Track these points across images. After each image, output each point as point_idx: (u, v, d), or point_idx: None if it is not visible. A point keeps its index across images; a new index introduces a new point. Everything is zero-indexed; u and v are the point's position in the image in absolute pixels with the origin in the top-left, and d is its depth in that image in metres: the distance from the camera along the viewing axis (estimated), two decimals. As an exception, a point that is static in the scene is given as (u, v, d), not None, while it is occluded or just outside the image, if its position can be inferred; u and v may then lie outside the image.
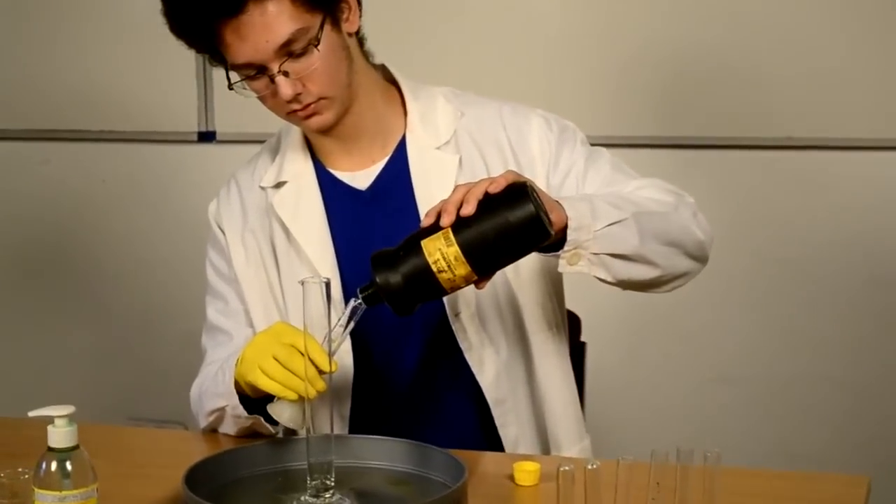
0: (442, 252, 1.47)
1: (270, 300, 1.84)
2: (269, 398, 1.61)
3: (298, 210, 1.83)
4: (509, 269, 1.75)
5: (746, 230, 2.80)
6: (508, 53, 2.87)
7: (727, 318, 2.87)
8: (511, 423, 1.81)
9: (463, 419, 1.84)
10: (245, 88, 1.74)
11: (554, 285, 1.85)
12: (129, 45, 3.13)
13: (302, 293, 1.49)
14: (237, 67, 1.71)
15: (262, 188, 1.87)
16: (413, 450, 1.60)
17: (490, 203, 1.49)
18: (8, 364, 3.44)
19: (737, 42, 2.74)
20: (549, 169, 1.80)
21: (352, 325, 1.55)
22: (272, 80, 1.69)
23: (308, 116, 1.74)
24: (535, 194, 1.50)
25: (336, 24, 1.72)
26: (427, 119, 1.83)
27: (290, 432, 1.68)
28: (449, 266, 1.47)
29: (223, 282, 1.89)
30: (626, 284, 1.68)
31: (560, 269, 1.60)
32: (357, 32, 1.79)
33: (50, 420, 1.32)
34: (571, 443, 1.83)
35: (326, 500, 1.50)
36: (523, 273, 1.81)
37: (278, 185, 1.85)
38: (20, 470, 1.39)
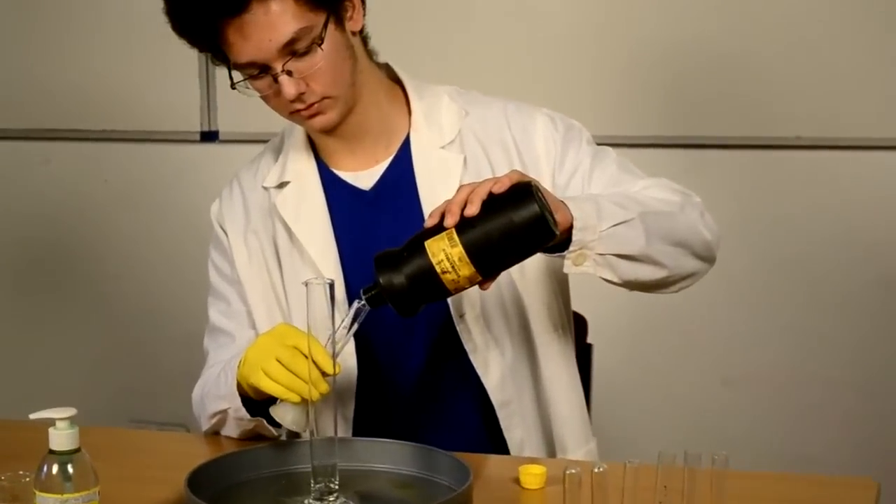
0: (446, 253, 1.46)
1: (273, 301, 1.84)
2: (272, 400, 1.60)
3: (301, 210, 1.82)
4: (514, 270, 1.75)
5: (754, 231, 2.79)
6: (513, 52, 2.86)
7: (735, 319, 2.86)
8: (516, 426, 1.80)
9: (468, 421, 1.83)
10: (248, 88, 1.73)
11: (560, 286, 1.84)
12: (132, 44, 3.13)
13: (305, 294, 1.49)
14: (240, 67, 1.71)
15: (265, 188, 1.86)
16: (418, 453, 1.59)
17: (494, 203, 1.48)
18: (8, 366, 3.43)
19: (744, 41, 2.73)
20: (555, 168, 1.79)
21: (355, 326, 1.54)
22: (275, 79, 1.68)
23: (311, 116, 1.73)
24: (539, 194, 1.49)
25: (340, 23, 1.71)
26: (431, 118, 1.82)
27: (294, 435, 1.67)
28: (453, 267, 1.46)
29: (225, 283, 1.88)
30: (632, 285, 1.67)
31: (565, 270, 1.59)
32: (361, 31, 1.78)
33: (51, 422, 1.31)
34: (577, 445, 1.82)
35: (330, 504, 1.49)
36: (528, 274, 1.80)
37: (281, 186, 1.85)
38: (21, 473, 1.38)
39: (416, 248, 1.48)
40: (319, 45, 1.67)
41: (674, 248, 1.67)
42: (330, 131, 1.78)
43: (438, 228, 1.48)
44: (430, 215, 1.51)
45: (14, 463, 1.41)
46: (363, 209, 1.82)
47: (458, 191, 1.51)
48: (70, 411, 1.32)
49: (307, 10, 1.66)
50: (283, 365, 1.56)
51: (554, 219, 1.50)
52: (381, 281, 1.49)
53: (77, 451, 1.32)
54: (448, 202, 1.50)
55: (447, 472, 1.53)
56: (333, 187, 1.83)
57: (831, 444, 2.80)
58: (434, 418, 1.83)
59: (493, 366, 1.79)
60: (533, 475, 1.54)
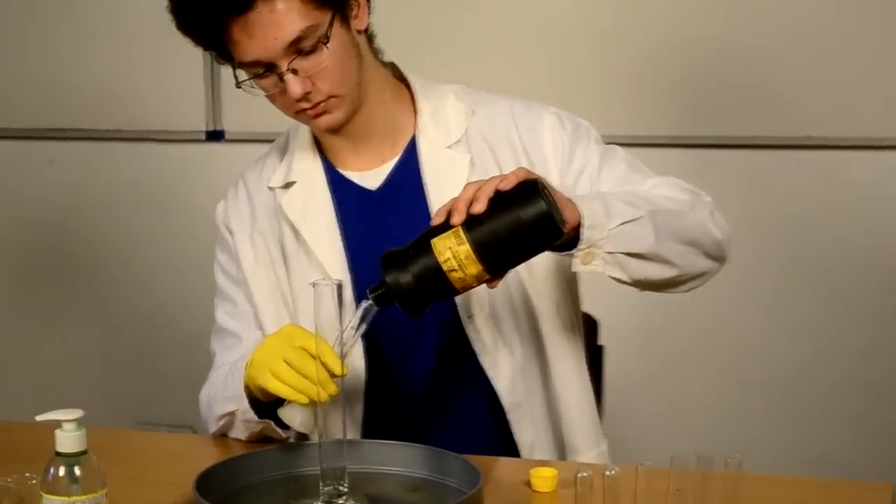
0: (453, 251, 1.45)
1: (280, 302, 1.83)
2: (280, 402, 1.59)
3: (307, 211, 1.82)
4: (523, 270, 1.74)
5: (766, 231, 2.78)
6: (521, 50, 2.85)
7: (748, 320, 2.85)
8: (527, 428, 1.79)
9: (477, 423, 1.82)
10: (253, 87, 1.72)
11: (569, 286, 1.83)
12: (136, 43, 3.12)
13: (312, 295, 1.49)
14: (245, 65, 1.70)
15: (271, 188, 1.86)
16: (428, 455, 1.58)
17: (501, 200, 1.47)
18: (15, 367, 3.43)
19: (755, 40, 2.72)
20: (563, 167, 1.78)
21: (364, 327, 1.53)
22: (281, 78, 1.68)
23: (317, 115, 1.73)
24: (546, 191, 1.48)
25: (345, 22, 1.70)
26: (438, 117, 1.81)
27: (302, 437, 1.66)
28: (460, 265, 1.45)
29: (232, 284, 1.88)
30: (642, 284, 1.66)
31: (574, 269, 1.58)
32: (366, 30, 1.77)
33: (58, 424, 1.31)
34: (588, 447, 1.81)
35: (339, 507, 1.49)
36: (537, 273, 1.79)
37: (287, 186, 1.84)
38: (27, 475, 1.37)
39: (423, 246, 1.47)
40: (325, 44, 1.66)
41: (684, 247, 1.66)
42: (336, 131, 1.77)
43: (445, 227, 1.47)
44: (437, 213, 1.50)
45: (20, 465, 1.40)
46: (370, 209, 1.81)
47: (464, 188, 1.50)
48: (77, 413, 1.31)
49: (313, 8, 1.65)
50: (290, 366, 1.55)
51: (561, 216, 1.49)
52: (387, 280, 1.48)
53: (84, 453, 1.31)
54: (454, 200, 1.49)
55: (457, 475, 1.52)
56: (340, 187, 1.83)
57: (846, 446, 2.78)
58: (443, 420, 1.82)
59: (503, 367, 1.78)
60: (544, 478, 1.53)
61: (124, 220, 3.28)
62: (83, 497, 1.29)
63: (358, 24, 1.73)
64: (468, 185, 1.51)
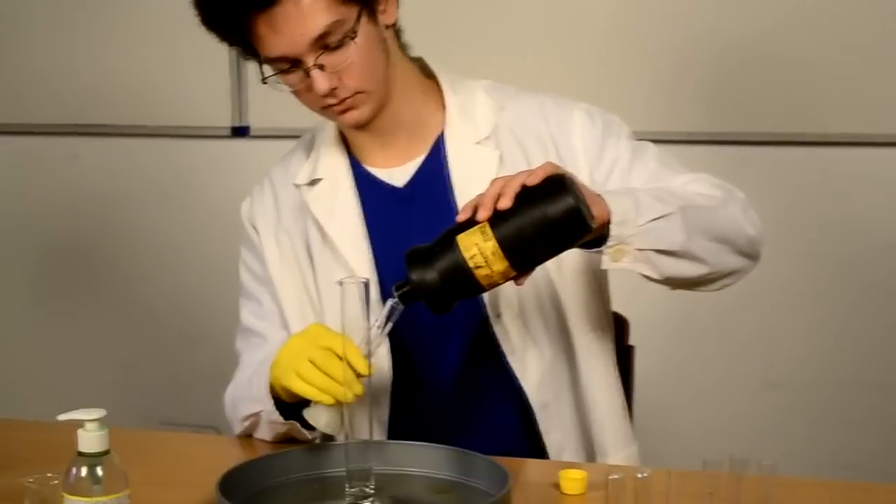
0: (479, 247, 1.43)
1: (306, 301, 1.82)
2: (306, 403, 1.58)
3: (334, 208, 1.81)
4: (552, 267, 1.73)
5: (800, 229, 2.76)
6: (552, 45, 2.84)
7: (781, 320, 2.82)
8: (555, 429, 1.78)
9: (505, 424, 1.80)
10: (279, 83, 1.71)
11: (598, 284, 1.81)
12: (161, 38, 3.13)
13: (338, 294, 1.47)
14: (271, 61, 1.69)
15: (297, 186, 1.84)
16: (455, 456, 1.56)
17: (528, 196, 1.45)
18: (36, 366, 3.44)
19: (789, 35, 2.70)
20: (593, 164, 1.76)
21: (389, 325, 1.52)
22: (307, 73, 1.66)
23: (344, 111, 1.71)
24: (574, 186, 1.46)
25: (373, 16, 1.69)
26: (466, 114, 1.79)
27: (328, 438, 1.64)
28: (486, 261, 1.43)
29: (257, 283, 1.87)
30: (672, 282, 1.64)
31: (603, 266, 1.56)
32: (394, 24, 1.76)
33: (80, 424, 1.30)
34: (617, 449, 1.79)
35: (365, 508, 1.48)
36: (566, 271, 1.77)
37: (313, 183, 1.83)
38: (49, 475, 1.36)
39: (448, 242, 1.45)
40: (352, 39, 1.65)
41: (715, 244, 1.64)
42: (362, 127, 1.76)
43: (471, 223, 1.46)
44: (463, 209, 1.49)
45: (42, 465, 1.39)
46: (396, 206, 1.80)
47: (490, 184, 1.48)
48: (99, 412, 1.30)
49: (339, 2, 1.64)
50: (316, 366, 1.54)
51: (590, 211, 1.47)
52: (412, 277, 1.46)
53: (106, 453, 1.30)
54: (480, 196, 1.47)
55: (485, 477, 1.51)
56: (366, 184, 1.81)
57: (881, 450, 2.75)
58: (471, 421, 1.81)
59: (532, 367, 1.76)
60: (573, 480, 1.51)
61: (148, 217, 3.29)
62: (105, 498, 1.28)
63: (386, 18, 1.72)
64: (495, 180, 1.49)
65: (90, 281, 3.37)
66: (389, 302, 1.50)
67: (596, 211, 1.49)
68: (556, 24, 2.83)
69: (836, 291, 2.78)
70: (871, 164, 2.71)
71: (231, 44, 1.73)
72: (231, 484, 1.45)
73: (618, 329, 1.91)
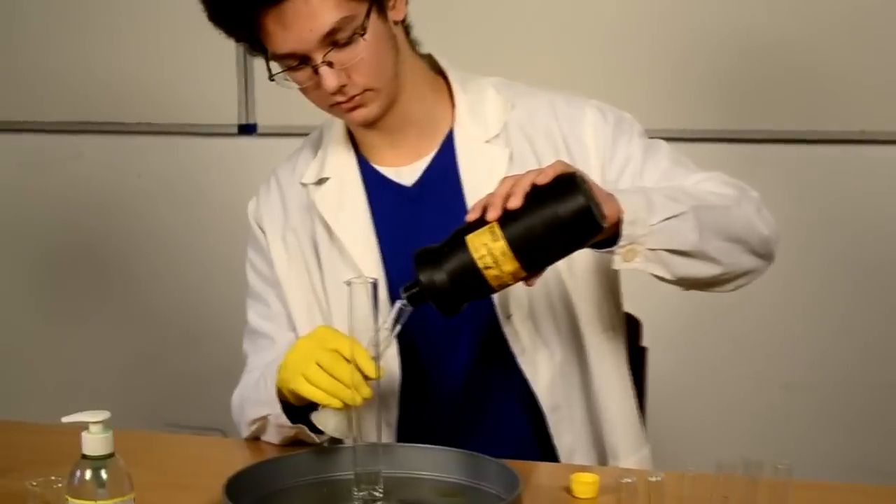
0: (488, 247, 1.42)
1: (313, 302, 1.81)
2: (314, 406, 1.57)
3: (341, 207, 1.79)
4: (563, 268, 1.72)
5: (816, 229, 2.74)
6: (563, 41, 2.83)
7: (796, 322, 2.80)
8: (566, 431, 1.77)
9: (515, 427, 1.79)
10: (287, 80, 1.70)
11: (610, 285, 1.80)
12: (167, 34, 3.13)
13: (346, 295, 1.47)
14: (279, 58, 1.67)
15: (304, 185, 1.83)
16: (464, 459, 1.56)
17: (538, 195, 1.43)
18: (40, 367, 3.43)
19: (804, 30, 2.68)
20: (605, 162, 1.75)
21: (398, 327, 1.50)
22: (315, 70, 1.65)
23: (352, 109, 1.70)
24: (585, 185, 1.44)
25: (382, 13, 1.67)
26: (476, 111, 1.78)
27: (336, 442, 1.63)
28: (496, 262, 1.42)
29: (264, 284, 1.86)
30: (686, 283, 1.63)
31: (615, 266, 1.55)
32: (403, 21, 1.74)
33: (84, 426, 1.29)
34: (629, 452, 1.78)
35: (374, 512, 1.47)
36: (577, 272, 1.75)
37: (320, 182, 1.82)
38: (53, 478, 1.35)
39: (457, 243, 1.44)
40: (362, 36, 1.63)
41: (729, 244, 1.62)
42: (371, 125, 1.74)
43: (480, 223, 1.44)
44: (472, 209, 1.47)
45: (46, 468, 1.39)
46: (405, 206, 1.79)
47: (500, 183, 1.47)
48: (104, 414, 1.29)
49: (349, -2, 1.62)
50: (323, 369, 1.53)
51: (601, 210, 1.45)
52: (421, 278, 1.44)
53: (111, 455, 1.29)
54: (490, 195, 1.46)
55: (495, 480, 1.50)
56: (374, 183, 1.80)
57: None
58: (480, 423, 1.80)
59: (543, 368, 1.75)
60: (585, 483, 1.51)
61: (154, 216, 3.28)
62: (110, 501, 1.28)
63: (395, 14, 1.70)
64: (504, 179, 1.47)
65: (95, 280, 3.37)
66: (398, 303, 1.49)
67: (607, 210, 1.47)
68: (567, 21, 2.82)
69: (853, 291, 2.76)
70: (888, 162, 2.69)
71: (238, 40, 1.72)
72: (238, 487, 1.45)
73: (631, 330, 1.90)
